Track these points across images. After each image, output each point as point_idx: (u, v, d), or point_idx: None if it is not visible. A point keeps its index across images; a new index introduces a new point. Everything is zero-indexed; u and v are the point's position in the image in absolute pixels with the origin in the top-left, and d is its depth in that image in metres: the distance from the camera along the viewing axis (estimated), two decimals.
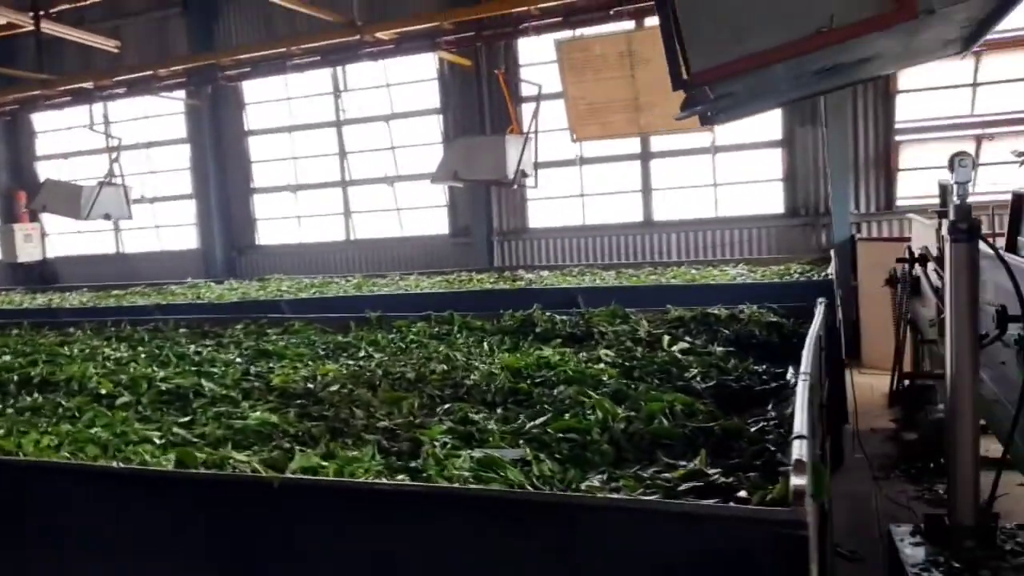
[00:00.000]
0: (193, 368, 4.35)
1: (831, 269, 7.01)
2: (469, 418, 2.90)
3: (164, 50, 13.42)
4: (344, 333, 5.35)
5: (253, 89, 13.46)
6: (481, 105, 11.76)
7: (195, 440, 2.96)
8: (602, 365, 3.63)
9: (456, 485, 2.10)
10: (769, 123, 10.52)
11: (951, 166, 2.74)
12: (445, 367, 3.77)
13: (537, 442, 2.56)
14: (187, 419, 3.31)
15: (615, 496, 1.95)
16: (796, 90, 2.84)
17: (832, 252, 8.66)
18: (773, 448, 2.32)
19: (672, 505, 1.80)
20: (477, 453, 2.40)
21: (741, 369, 3.30)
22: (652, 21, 10.16)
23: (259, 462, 2.47)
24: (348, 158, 13.24)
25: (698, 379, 3.23)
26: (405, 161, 12.75)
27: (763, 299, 4.80)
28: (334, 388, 3.52)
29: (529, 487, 2.16)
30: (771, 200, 10.63)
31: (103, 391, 3.85)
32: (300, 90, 13.31)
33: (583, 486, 2.19)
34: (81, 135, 14.52)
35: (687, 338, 4.10)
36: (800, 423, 2.10)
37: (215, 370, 4.28)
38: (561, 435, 2.61)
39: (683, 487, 2.09)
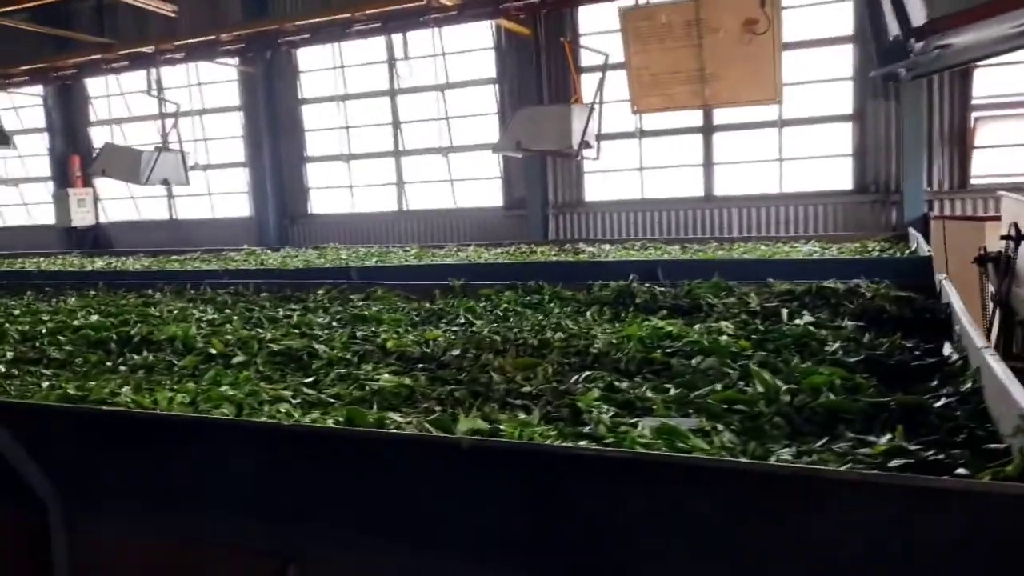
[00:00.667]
0: (295, 331, 4.30)
1: (919, 246, 6.78)
2: (615, 386, 2.81)
3: (218, 14, 13.36)
4: (429, 300, 5.28)
5: (307, 57, 13.38)
6: (539, 75, 11.59)
7: (331, 400, 2.91)
8: (725, 337, 3.51)
9: (694, 455, 1.98)
10: (840, 96, 10.24)
11: None
12: (562, 334, 3.68)
13: (705, 413, 2.46)
14: (311, 380, 3.26)
15: (869, 471, 1.83)
16: (1009, 43, 2.67)
17: (910, 230, 8.42)
18: (973, 425, 2.19)
19: (944, 482, 1.68)
20: (650, 421, 2.30)
21: (887, 344, 3.16)
22: None
23: (417, 425, 2.40)
24: (402, 128, 13.14)
25: (840, 353, 3.10)
26: (459, 132, 12.64)
27: (856, 275, 4.64)
28: (456, 353, 3.44)
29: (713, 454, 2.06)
30: (839, 176, 10.38)
31: (214, 351, 3.81)
32: (354, 58, 13.21)
33: (773, 459, 2.08)
34: (134, 100, 14.58)
35: (806, 312, 3.95)
36: (1020, 395, 1.98)
37: (318, 332, 4.23)
38: (725, 407, 2.51)
39: (892, 463, 1.98)
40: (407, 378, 3.10)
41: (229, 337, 4.12)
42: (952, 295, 3.66)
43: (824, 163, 10.47)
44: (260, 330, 4.37)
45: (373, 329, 4.27)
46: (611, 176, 11.58)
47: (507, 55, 11.94)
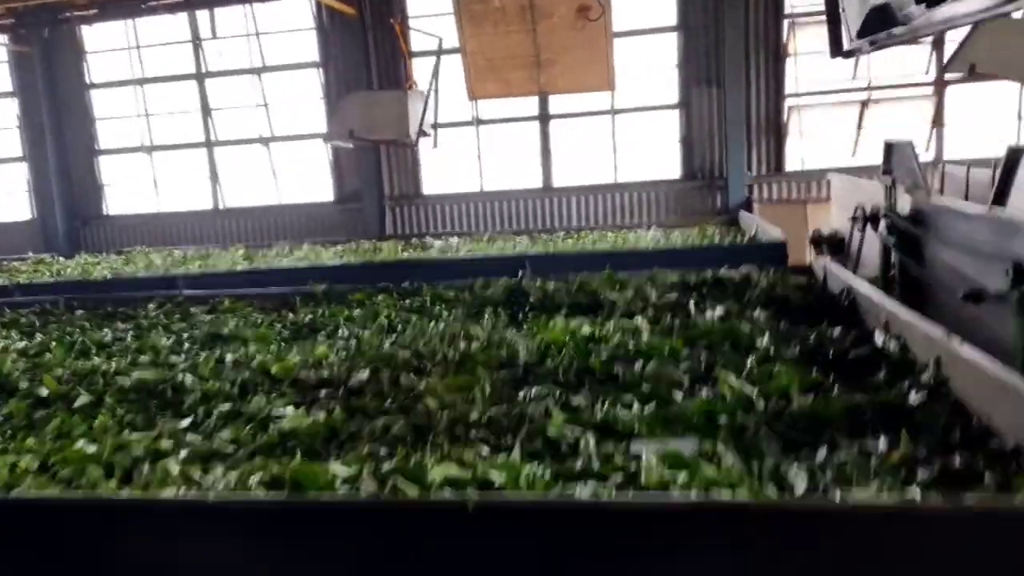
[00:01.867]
0: (142, 357, 3.58)
1: (759, 228, 7.09)
2: (571, 403, 2.51)
3: None
4: (287, 310, 4.69)
5: (95, 35, 11.77)
6: (367, 58, 10.98)
7: (229, 451, 2.35)
8: (647, 336, 3.32)
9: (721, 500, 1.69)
10: (667, 85, 10.59)
11: None
12: (476, 344, 3.31)
13: (689, 429, 2.22)
14: (189, 423, 2.65)
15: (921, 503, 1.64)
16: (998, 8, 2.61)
17: (743, 213, 8.86)
18: (971, 425, 2.13)
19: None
20: (646, 447, 2.02)
21: (815, 335, 3.12)
22: None
23: (372, 475, 1.95)
24: (213, 115, 11.95)
25: (774, 349, 3.01)
26: (280, 119, 11.71)
27: (724, 262, 4.72)
28: (364, 376, 2.96)
29: (749, 489, 1.82)
30: (669, 163, 10.75)
31: (47, 391, 3.05)
32: (152, 37, 11.80)
33: (797, 480, 1.88)
34: None
35: (709, 303, 3.88)
36: None
37: (174, 359, 3.55)
38: (700, 418, 2.29)
39: (922, 476, 1.84)
40: (317, 412, 2.60)
41: (59, 371, 3.34)
42: (851, 280, 3.73)
43: (654, 151, 10.81)
44: (96, 359, 3.61)
45: (242, 350, 3.65)
46: (449, 167, 11.25)
47: (331, 36, 11.20)
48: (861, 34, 2.49)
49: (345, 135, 8.99)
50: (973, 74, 7.00)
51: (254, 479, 2.00)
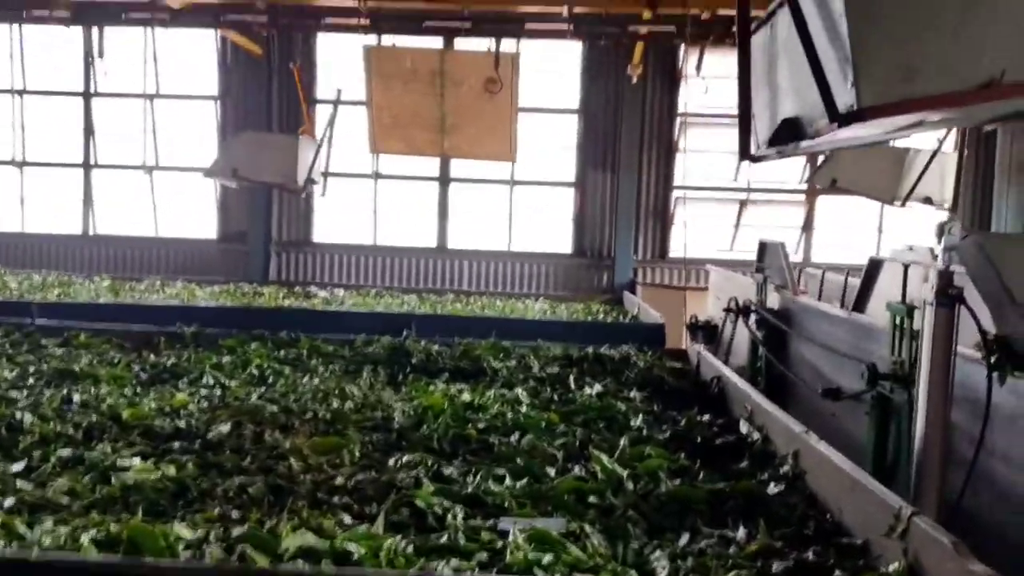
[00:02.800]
0: None
1: (641, 310, 7.33)
2: (443, 474, 2.44)
3: None
4: (149, 351, 4.41)
5: None
6: (269, 99, 10.78)
7: (64, 502, 2.14)
8: (526, 408, 3.32)
9: None
10: (565, 164, 10.94)
11: (940, 233, 2.90)
12: (352, 404, 3.20)
13: (559, 507, 2.20)
14: (22, 468, 2.40)
15: None
16: (900, 132, 2.81)
17: (626, 294, 9.15)
18: (812, 513, 2.22)
19: None
20: (514, 524, 1.98)
21: (686, 420, 3.20)
22: (462, 43, 10.11)
23: (220, 540, 1.80)
24: (95, 137, 11.34)
25: (646, 431, 3.07)
26: (169, 149, 11.23)
27: (606, 339, 4.86)
28: (225, 428, 2.79)
29: (611, 573, 1.80)
30: (561, 239, 11.02)
31: None
32: (38, 46, 11.16)
33: (659, 566, 1.88)
34: None
35: (588, 380, 3.94)
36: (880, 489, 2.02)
37: (13, 394, 3.23)
38: (571, 497, 2.28)
39: (776, 568, 1.88)
40: (167, 465, 2.42)
41: None
42: (722, 369, 3.88)
43: (548, 225, 11.06)
44: None
45: (92, 390, 3.38)
46: (343, 217, 11.08)
47: (234, 72, 10.95)
48: (771, 143, 2.65)
49: (228, 173, 8.70)
50: (834, 187, 7.66)
51: (86, 536, 1.82)
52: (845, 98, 1.99)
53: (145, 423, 2.87)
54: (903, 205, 6.99)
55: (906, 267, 3.81)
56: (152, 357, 4.23)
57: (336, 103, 9.35)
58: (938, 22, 2.06)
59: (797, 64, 2.46)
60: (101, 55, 10.72)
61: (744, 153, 2.80)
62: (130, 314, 5.73)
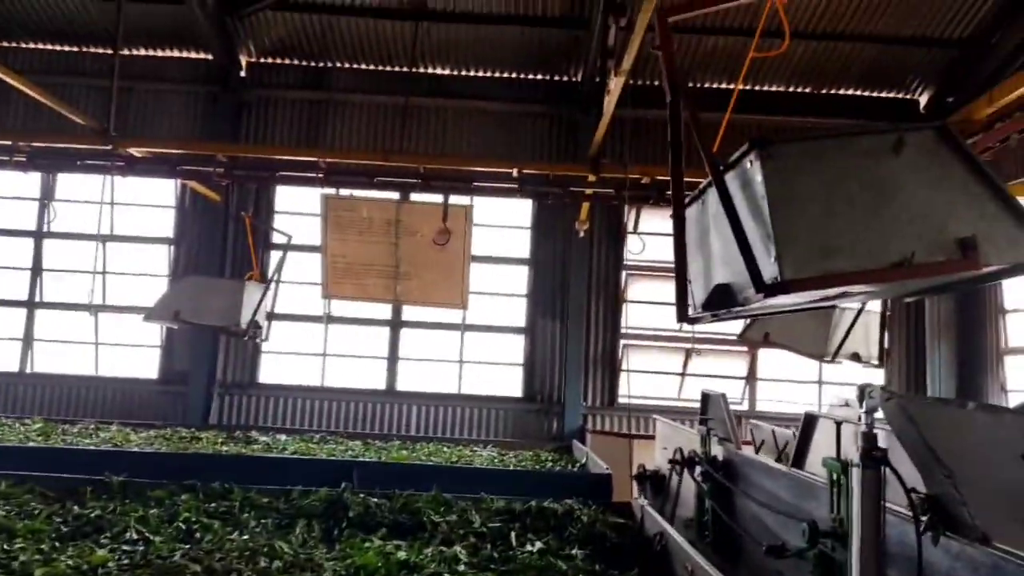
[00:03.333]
0: None
1: (589, 459, 7.27)
2: None
3: None
4: (75, 501, 4.20)
5: None
6: (224, 244, 10.91)
7: None
8: (463, 567, 3.22)
9: None
10: (515, 311, 11.15)
11: (861, 396, 2.99)
12: (280, 563, 3.06)
13: None
14: None
15: None
16: (826, 302, 2.98)
17: (575, 442, 9.08)
18: None
19: None
20: None
21: None
22: (417, 196, 10.50)
23: None
24: (43, 275, 11.23)
25: None
26: (118, 289, 11.12)
27: (552, 490, 4.80)
28: None
29: None
30: (511, 384, 11.03)
31: None
32: None
33: None
34: None
35: (530, 536, 3.85)
36: None
37: None
38: None
39: None
40: None
41: None
42: (664, 525, 3.85)
43: (498, 370, 11.11)
44: None
45: (5, 547, 3.18)
46: (292, 359, 10.98)
47: (190, 216, 11.12)
48: (705, 307, 2.78)
49: (170, 316, 8.64)
50: (767, 342, 7.87)
51: None
52: (769, 270, 2.15)
53: None
54: (832, 361, 7.21)
55: (838, 424, 3.92)
56: (76, 508, 4.03)
57: (285, 249, 9.51)
58: (851, 209, 2.27)
59: (726, 237, 2.65)
60: (51, 199, 10.86)
61: (681, 315, 2.94)
62: (57, 460, 5.49)
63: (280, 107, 11.24)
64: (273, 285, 9.22)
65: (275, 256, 11.01)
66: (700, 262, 3.07)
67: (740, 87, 4.90)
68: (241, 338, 9.45)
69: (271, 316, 10.79)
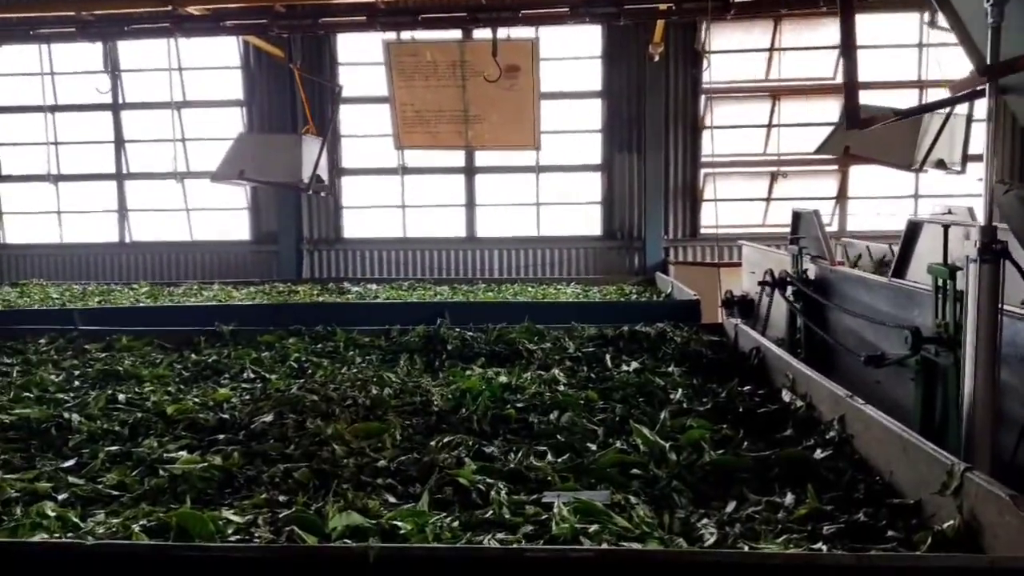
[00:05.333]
0: (27, 394, 3.32)
1: (675, 288, 7.25)
2: (485, 452, 2.44)
3: None
4: (190, 350, 4.47)
5: (2, 56, 11.26)
6: (294, 101, 10.85)
7: (113, 493, 2.18)
8: (563, 387, 3.31)
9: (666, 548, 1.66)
10: (590, 148, 10.87)
11: (996, 190, 2.78)
12: (390, 390, 3.22)
13: (602, 480, 2.19)
14: (73, 463, 2.46)
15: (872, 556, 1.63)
16: None
17: (658, 274, 9.06)
18: (861, 476, 2.18)
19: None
20: (558, 498, 1.97)
21: (727, 391, 3.16)
22: (480, 33, 10.06)
23: (267, 523, 1.83)
24: (126, 147, 11.54)
25: (687, 403, 3.04)
26: (198, 155, 11.38)
27: (640, 319, 4.79)
28: (268, 419, 2.82)
29: (659, 540, 1.79)
30: (590, 222, 10.96)
31: None
32: (64, 64, 11.37)
33: (706, 533, 1.86)
34: None
35: (625, 358, 3.91)
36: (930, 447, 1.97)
37: (61, 396, 3.31)
38: (614, 470, 2.27)
39: (827, 531, 1.85)
40: (213, 456, 2.45)
41: None
42: (760, 339, 3.83)
43: (576, 209, 11.02)
44: None
45: (136, 390, 3.44)
46: (371, 212, 11.16)
47: (257, 76, 11.06)
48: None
49: (235, 175, 8.73)
50: (847, 155, 7.35)
51: (137, 525, 1.85)
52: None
53: (189, 417, 2.91)
54: (919, 170, 6.76)
55: (946, 228, 3.72)
56: (193, 356, 4.28)
57: (335, 101, 9.38)
58: None
59: None
60: (118, 68, 10.92)
61: (853, 121, 2.77)
62: (169, 316, 5.85)
63: None
64: (333, 138, 9.10)
65: (346, 110, 10.94)
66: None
67: None
68: (305, 192, 9.52)
69: (341, 171, 10.90)
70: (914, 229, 4.41)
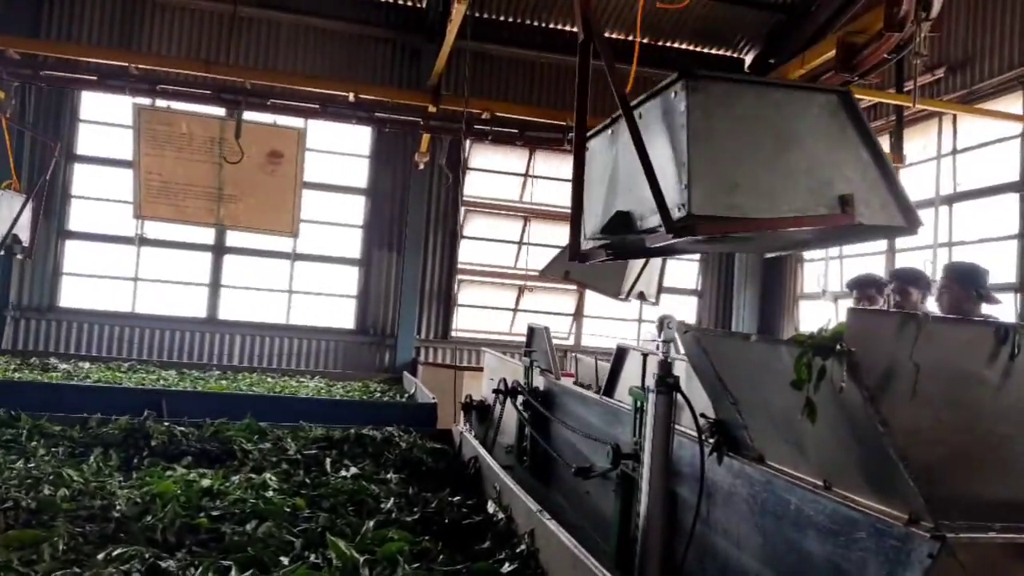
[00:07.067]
0: None
1: (419, 390, 7.33)
2: (159, 567, 2.22)
3: None
4: None
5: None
6: (21, 154, 9.74)
7: None
8: (272, 492, 3.16)
9: None
10: (350, 242, 10.88)
11: (660, 327, 3.17)
12: (66, 491, 2.85)
13: None
14: None
15: None
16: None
17: (405, 374, 9.10)
18: None
19: None
20: None
21: (437, 501, 3.19)
22: (248, 115, 9.84)
23: None
24: None
25: (396, 513, 3.02)
26: None
27: (377, 419, 4.80)
28: None
29: None
30: (344, 315, 10.83)
31: None
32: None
33: None
34: None
35: (346, 462, 3.83)
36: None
37: None
38: None
39: None
40: None
41: None
42: (479, 449, 3.95)
43: (331, 301, 10.85)
44: None
45: None
46: (99, 282, 10.12)
47: None
48: (603, 231, 2.81)
49: None
50: (567, 279, 7.99)
51: None
52: (677, 198, 2.22)
53: None
54: (625, 299, 7.52)
55: (645, 356, 4.17)
56: None
57: (56, 159, 8.55)
58: (757, 153, 2.38)
59: (632, 169, 2.66)
60: None
61: (574, 253, 2.99)
62: None
63: (88, 1, 10.08)
64: (60, 198, 8.10)
65: (79, 169, 10.05)
66: (600, 193, 3.09)
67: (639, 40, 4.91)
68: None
69: (67, 233, 9.90)
70: (621, 354, 4.88)
